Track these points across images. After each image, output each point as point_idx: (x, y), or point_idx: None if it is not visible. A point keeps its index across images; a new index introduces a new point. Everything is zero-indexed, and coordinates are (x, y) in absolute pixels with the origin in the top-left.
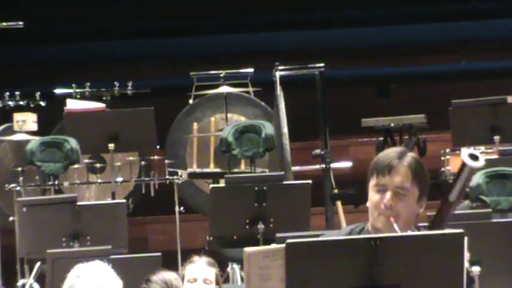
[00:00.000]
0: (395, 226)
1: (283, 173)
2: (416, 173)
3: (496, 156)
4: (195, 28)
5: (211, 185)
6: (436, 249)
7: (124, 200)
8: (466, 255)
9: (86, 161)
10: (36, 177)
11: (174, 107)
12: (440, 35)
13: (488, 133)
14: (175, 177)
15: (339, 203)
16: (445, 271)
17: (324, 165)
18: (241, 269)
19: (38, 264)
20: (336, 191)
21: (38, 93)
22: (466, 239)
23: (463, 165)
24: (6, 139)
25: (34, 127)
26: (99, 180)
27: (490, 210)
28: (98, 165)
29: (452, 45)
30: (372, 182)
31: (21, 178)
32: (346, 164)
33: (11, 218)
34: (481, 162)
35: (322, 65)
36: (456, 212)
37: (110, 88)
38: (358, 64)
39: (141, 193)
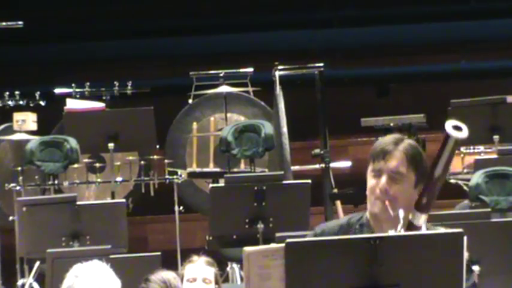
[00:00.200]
0: (390, 210)
1: (282, 172)
2: (412, 158)
3: (495, 156)
4: (195, 28)
5: (210, 185)
6: (436, 249)
7: (124, 200)
8: (465, 254)
9: (86, 160)
10: (36, 177)
11: (173, 106)
12: (440, 35)
13: (488, 133)
14: (174, 176)
15: (338, 203)
16: (444, 271)
17: (323, 165)
18: (241, 268)
19: (38, 263)
20: (335, 190)
21: (38, 92)
22: (465, 238)
23: (447, 137)
24: (6, 139)
25: (34, 127)
26: (98, 180)
27: (489, 209)
28: (97, 164)
29: (452, 45)
30: (369, 168)
31: (21, 178)
32: (346, 164)
33: (10, 218)
34: (464, 133)
35: (321, 64)
36: (456, 211)
37: (109, 88)
38: (358, 64)
39: (141, 193)
